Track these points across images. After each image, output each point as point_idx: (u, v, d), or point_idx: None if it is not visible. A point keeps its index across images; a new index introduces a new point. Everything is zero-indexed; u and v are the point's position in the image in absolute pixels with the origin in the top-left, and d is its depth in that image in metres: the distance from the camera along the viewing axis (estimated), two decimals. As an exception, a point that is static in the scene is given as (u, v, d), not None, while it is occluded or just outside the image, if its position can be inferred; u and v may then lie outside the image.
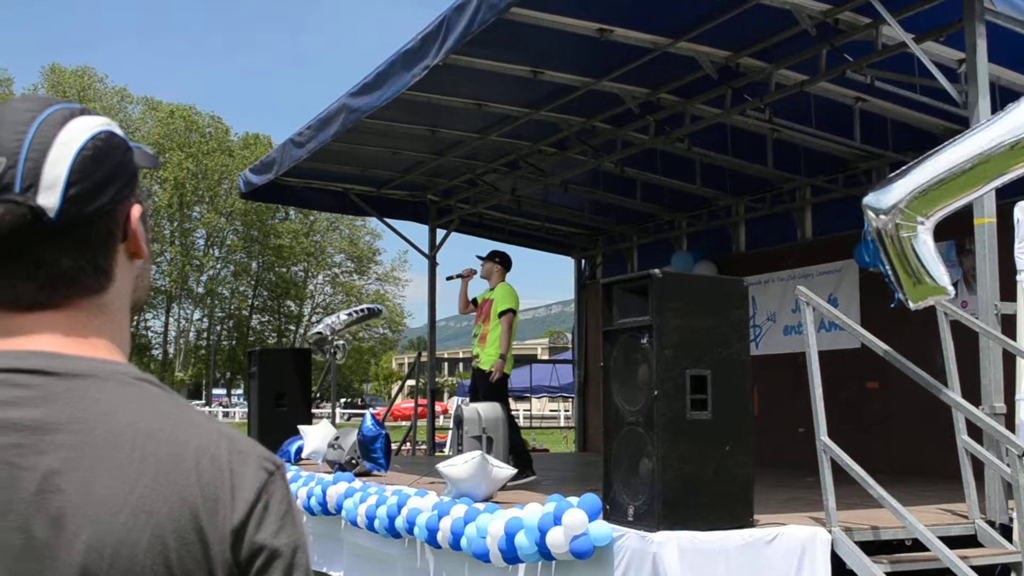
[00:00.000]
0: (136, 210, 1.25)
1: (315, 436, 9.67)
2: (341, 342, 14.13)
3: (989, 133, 5.13)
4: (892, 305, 5.36)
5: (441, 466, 6.87)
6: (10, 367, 1.14)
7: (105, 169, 1.20)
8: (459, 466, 6.73)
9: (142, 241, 1.27)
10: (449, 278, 10.61)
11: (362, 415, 11.72)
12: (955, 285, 9.36)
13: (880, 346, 5.74)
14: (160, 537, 1.10)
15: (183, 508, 1.12)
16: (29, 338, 1.18)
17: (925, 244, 5.10)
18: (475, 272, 10.61)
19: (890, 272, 5.19)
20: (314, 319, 64.21)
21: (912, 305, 5.22)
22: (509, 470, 7.03)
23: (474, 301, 10.71)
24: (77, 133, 1.19)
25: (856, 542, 5.43)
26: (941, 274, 5.13)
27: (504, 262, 10.45)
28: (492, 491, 6.86)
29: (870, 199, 5.24)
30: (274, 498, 1.17)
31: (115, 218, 1.22)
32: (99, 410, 1.14)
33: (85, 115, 1.21)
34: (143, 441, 1.14)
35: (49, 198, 1.15)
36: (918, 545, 5.50)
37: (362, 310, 14.37)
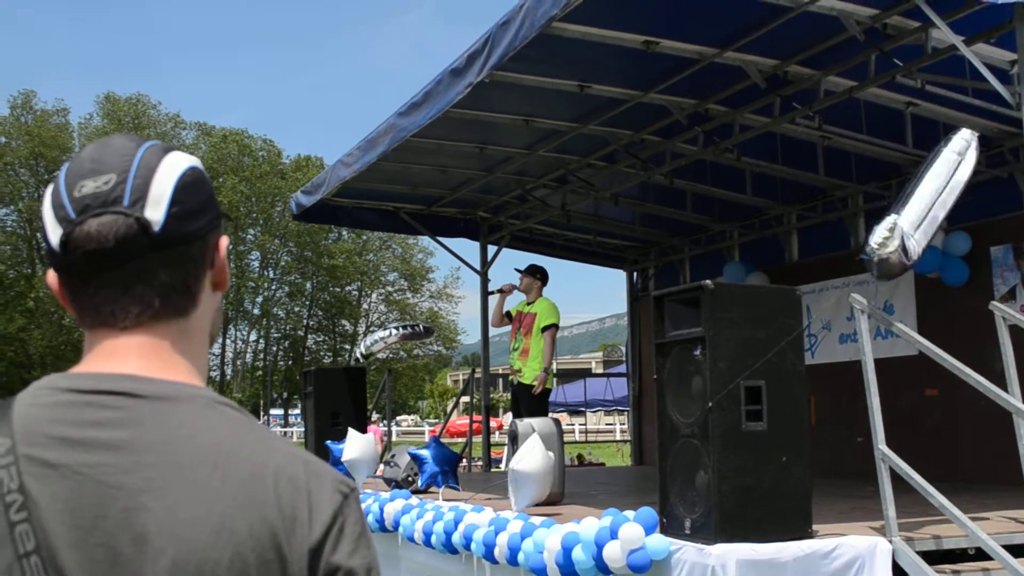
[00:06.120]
0: (224, 240, 1.34)
1: (355, 445, 9.32)
2: (382, 356, 14.23)
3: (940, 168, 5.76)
4: (863, 257, 5.52)
5: (513, 463, 6.94)
6: (100, 389, 1.20)
7: (201, 196, 1.29)
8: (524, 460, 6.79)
9: (226, 271, 1.35)
10: (489, 293, 10.65)
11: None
12: (1013, 289, 9.32)
13: (938, 352, 5.67)
14: (241, 555, 1.14)
15: (263, 527, 1.16)
16: (120, 361, 1.24)
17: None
18: (515, 287, 10.63)
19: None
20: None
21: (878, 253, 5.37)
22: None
23: (507, 314, 10.71)
24: (177, 162, 1.28)
25: (918, 551, 5.35)
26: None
27: (544, 277, 10.48)
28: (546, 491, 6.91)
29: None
30: (349, 520, 1.22)
31: (207, 244, 1.31)
32: (182, 432, 1.19)
33: (178, 151, 1.31)
34: (224, 462, 1.18)
35: (155, 212, 1.24)
36: (981, 554, 5.40)
37: (412, 327, 14.41)
